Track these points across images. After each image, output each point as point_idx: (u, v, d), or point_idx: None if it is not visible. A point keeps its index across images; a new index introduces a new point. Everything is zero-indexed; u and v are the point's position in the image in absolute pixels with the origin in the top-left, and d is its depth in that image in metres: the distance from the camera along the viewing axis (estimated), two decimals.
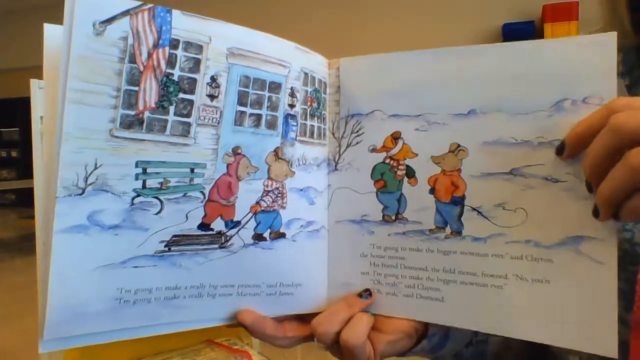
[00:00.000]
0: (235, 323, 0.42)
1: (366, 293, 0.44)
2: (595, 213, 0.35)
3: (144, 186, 0.36)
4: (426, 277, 0.42)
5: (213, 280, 0.40)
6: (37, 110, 0.95)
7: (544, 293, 0.38)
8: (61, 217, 0.33)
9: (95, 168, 0.34)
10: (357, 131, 0.44)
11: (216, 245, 0.39)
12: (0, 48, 6.69)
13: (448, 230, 0.41)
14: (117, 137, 0.34)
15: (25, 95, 0.93)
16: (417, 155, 0.42)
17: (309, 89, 0.43)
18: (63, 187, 0.33)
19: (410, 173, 0.43)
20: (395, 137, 0.43)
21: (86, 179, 0.34)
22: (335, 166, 0.45)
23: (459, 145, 0.41)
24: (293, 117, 0.42)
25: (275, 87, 0.41)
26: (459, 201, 0.41)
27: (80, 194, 0.34)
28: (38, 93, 0.94)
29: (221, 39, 0.38)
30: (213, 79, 0.38)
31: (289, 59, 0.41)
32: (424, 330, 0.44)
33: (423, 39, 3.85)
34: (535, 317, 0.38)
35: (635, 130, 0.30)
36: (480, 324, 0.40)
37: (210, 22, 0.37)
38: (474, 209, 0.40)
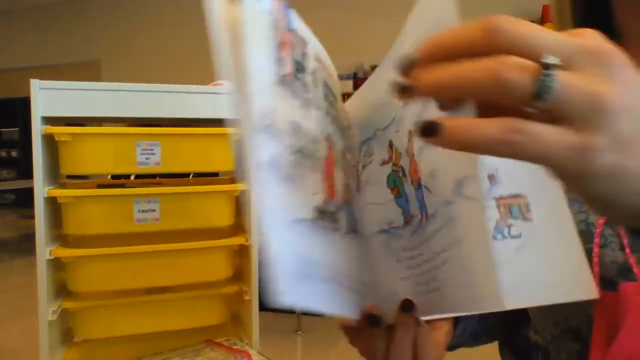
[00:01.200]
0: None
1: (408, 304, 0.40)
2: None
3: None
4: (427, 269, 0.39)
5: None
6: (37, 110, 0.93)
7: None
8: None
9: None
10: (369, 153, 0.47)
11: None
12: (0, 48, 6.67)
13: (423, 215, 0.39)
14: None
15: (25, 95, 0.93)
16: (401, 153, 0.42)
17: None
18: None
19: (404, 172, 0.42)
20: (390, 145, 0.44)
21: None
22: (357, 188, 0.46)
23: (410, 131, 0.40)
24: None
25: (332, 99, 0.45)
26: (419, 183, 0.39)
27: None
28: (38, 93, 0.92)
29: (312, 43, 0.42)
30: (312, 72, 0.41)
31: (336, 80, 0.47)
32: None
33: None
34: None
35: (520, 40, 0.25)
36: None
37: (306, 27, 0.42)
38: (424, 187, 0.39)
